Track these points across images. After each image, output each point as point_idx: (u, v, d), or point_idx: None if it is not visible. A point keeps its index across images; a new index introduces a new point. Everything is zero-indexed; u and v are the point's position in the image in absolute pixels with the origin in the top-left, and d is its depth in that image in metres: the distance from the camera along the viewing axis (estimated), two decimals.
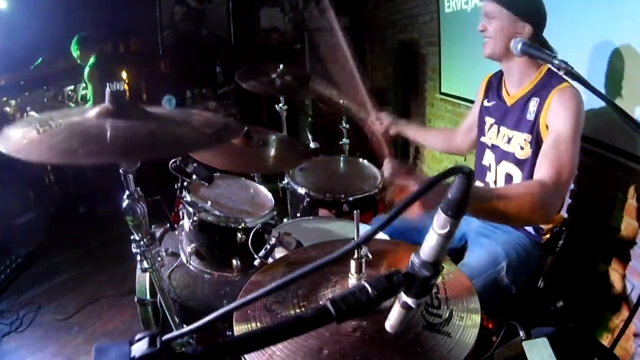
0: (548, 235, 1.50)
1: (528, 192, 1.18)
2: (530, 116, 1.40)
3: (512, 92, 1.50)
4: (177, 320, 1.33)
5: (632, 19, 1.50)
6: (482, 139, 1.61)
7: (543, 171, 1.26)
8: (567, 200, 1.96)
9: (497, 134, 1.53)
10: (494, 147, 1.56)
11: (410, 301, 0.59)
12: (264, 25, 5.34)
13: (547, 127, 1.34)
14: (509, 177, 1.50)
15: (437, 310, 0.84)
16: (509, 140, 1.47)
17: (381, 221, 0.52)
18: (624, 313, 1.63)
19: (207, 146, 1.20)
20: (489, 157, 1.58)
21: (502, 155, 1.51)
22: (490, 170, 1.57)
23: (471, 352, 0.76)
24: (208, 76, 5.03)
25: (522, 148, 1.43)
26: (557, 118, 1.30)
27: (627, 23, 1.52)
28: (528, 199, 1.15)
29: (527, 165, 1.42)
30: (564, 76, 1.21)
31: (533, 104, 1.39)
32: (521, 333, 1.10)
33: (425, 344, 0.76)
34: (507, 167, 1.50)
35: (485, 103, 1.63)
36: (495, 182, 1.56)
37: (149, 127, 0.89)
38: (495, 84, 1.59)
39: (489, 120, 1.58)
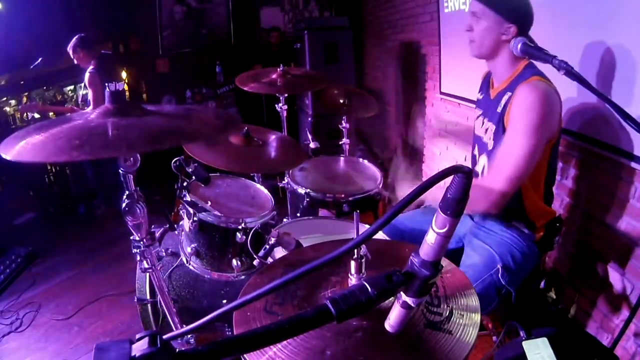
0: (542, 233, 1.50)
1: (475, 197, 1.25)
2: (499, 108, 1.44)
3: (496, 86, 1.54)
4: (177, 320, 1.33)
5: (628, 18, 1.50)
6: (474, 130, 1.67)
7: (496, 167, 1.36)
8: (565, 199, 1.96)
9: (481, 125, 1.58)
10: (478, 138, 1.61)
11: (410, 300, 0.59)
12: (264, 25, 5.35)
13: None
14: (483, 170, 1.55)
15: (437, 309, 0.84)
16: (486, 131, 1.53)
17: (380, 220, 0.52)
18: (624, 313, 1.63)
19: (210, 137, 1.21)
20: (476, 148, 1.63)
21: (482, 147, 1.56)
22: (477, 161, 1.61)
23: (472, 351, 0.76)
24: (208, 76, 5.04)
25: (489, 138, 1.50)
26: (514, 113, 1.35)
27: (623, 22, 1.52)
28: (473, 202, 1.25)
29: (493, 157, 1.46)
30: (565, 75, 1.20)
31: (505, 98, 1.43)
32: (521, 333, 1.10)
33: (427, 343, 0.76)
34: (483, 159, 1.55)
35: (478, 96, 1.68)
36: (482, 173, 1.59)
37: (150, 121, 0.89)
38: (488, 79, 1.64)
39: (477, 112, 1.64)
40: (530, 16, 1.41)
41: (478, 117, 1.62)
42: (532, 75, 1.37)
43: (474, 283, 1.36)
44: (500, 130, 1.42)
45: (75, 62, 3.43)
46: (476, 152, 1.62)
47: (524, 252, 1.45)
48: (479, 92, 1.68)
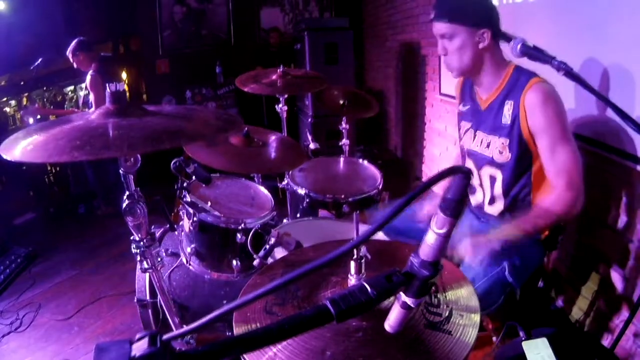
0: (547, 232, 1.51)
1: (553, 214, 1.32)
2: (506, 120, 1.41)
3: (484, 96, 1.50)
4: (177, 320, 1.33)
5: (626, 19, 1.50)
6: (461, 142, 1.63)
7: (554, 182, 1.33)
8: None
9: (474, 139, 1.54)
10: (470, 153, 1.57)
11: (409, 301, 0.59)
12: (264, 25, 5.35)
13: (531, 134, 1.36)
14: (492, 179, 1.52)
15: (437, 309, 0.84)
16: (488, 145, 1.48)
17: (379, 221, 0.52)
18: (624, 313, 1.63)
19: (211, 137, 1.21)
20: (468, 162, 1.59)
21: (481, 161, 1.53)
22: (472, 174, 1.57)
23: (472, 352, 0.76)
24: (208, 76, 5.04)
25: (500, 152, 1.45)
26: (539, 122, 1.32)
27: (621, 23, 1.52)
28: (556, 218, 1.33)
29: (508, 168, 1.45)
30: (565, 76, 1.20)
31: (508, 108, 1.39)
32: (521, 333, 1.10)
33: (427, 343, 0.77)
34: (489, 170, 1.51)
35: (461, 107, 1.64)
36: (480, 185, 1.57)
37: (150, 122, 0.89)
38: (468, 88, 1.59)
39: (465, 125, 1.60)
40: (495, 11, 1.37)
41: (467, 130, 1.57)
42: (529, 77, 1.35)
43: (480, 280, 1.36)
44: (517, 141, 1.39)
45: (75, 65, 3.40)
46: (470, 165, 1.57)
47: (529, 250, 1.46)
48: (461, 104, 1.63)
